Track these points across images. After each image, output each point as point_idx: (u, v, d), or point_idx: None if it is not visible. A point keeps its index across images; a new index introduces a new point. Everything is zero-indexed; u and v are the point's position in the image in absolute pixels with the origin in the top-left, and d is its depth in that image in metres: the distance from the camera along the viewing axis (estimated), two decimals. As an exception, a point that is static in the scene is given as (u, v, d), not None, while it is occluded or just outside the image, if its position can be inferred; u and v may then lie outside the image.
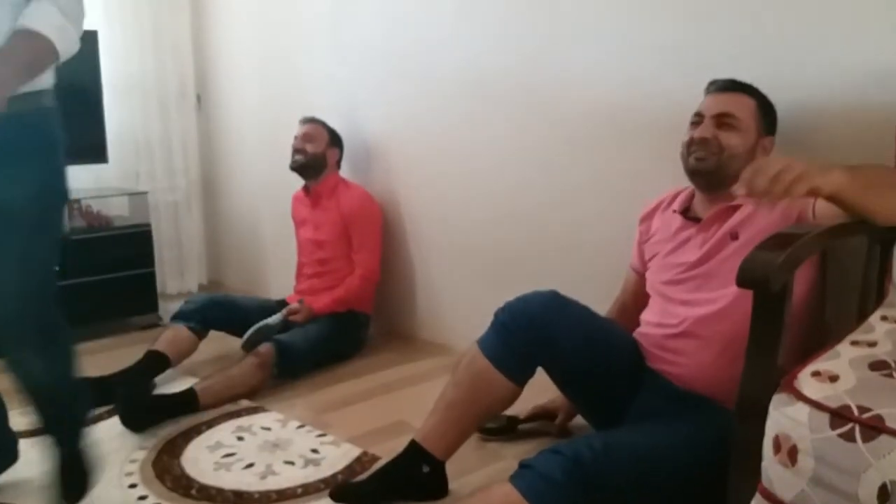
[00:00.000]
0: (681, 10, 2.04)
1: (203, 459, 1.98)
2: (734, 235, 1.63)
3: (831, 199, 1.28)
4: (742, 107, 1.69)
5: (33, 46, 1.44)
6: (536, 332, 1.65)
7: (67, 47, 1.50)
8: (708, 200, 1.74)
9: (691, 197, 1.80)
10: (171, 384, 2.46)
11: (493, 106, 2.59)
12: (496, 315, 1.73)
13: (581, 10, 2.28)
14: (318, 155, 2.88)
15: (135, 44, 3.72)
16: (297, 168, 2.89)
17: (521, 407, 1.94)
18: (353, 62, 3.08)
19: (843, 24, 1.72)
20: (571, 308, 1.71)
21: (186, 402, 2.25)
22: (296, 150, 2.89)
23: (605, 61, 2.23)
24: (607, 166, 2.27)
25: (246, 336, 2.58)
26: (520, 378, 1.68)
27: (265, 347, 2.45)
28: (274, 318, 2.63)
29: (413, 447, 1.71)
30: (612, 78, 2.22)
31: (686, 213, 1.79)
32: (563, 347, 1.66)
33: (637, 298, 1.92)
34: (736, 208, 1.66)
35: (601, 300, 1.92)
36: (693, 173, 1.73)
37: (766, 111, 1.71)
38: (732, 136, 1.67)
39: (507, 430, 2.07)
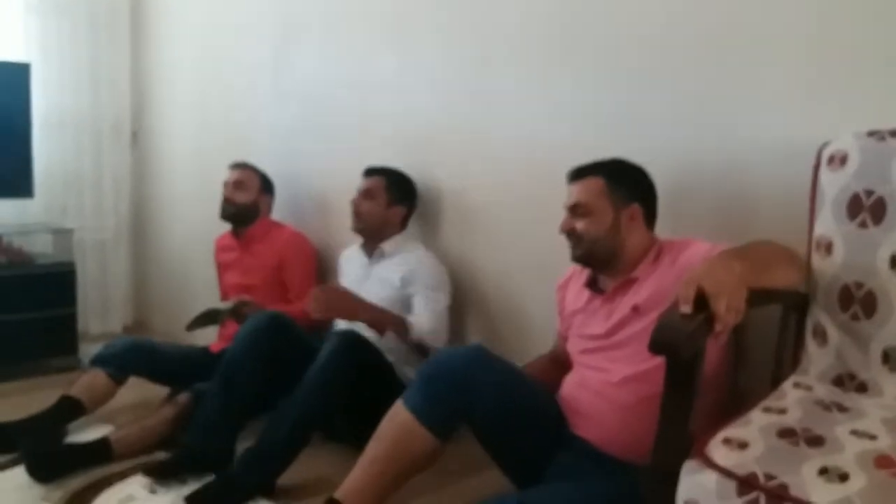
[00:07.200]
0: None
1: (112, 514, 1.89)
2: (636, 308, 1.67)
3: None
4: (589, 191, 1.76)
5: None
6: (458, 384, 1.64)
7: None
8: (607, 275, 1.79)
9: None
10: (84, 432, 2.36)
11: (433, 156, 2.59)
12: (420, 369, 1.72)
13: (578, 84, 2.15)
14: (248, 205, 2.83)
15: (71, 77, 3.67)
16: (228, 217, 2.84)
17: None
18: (294, 109, 3.07)
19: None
20: (495, 363, 1.71)
21: (99, 452, 2.16)
22: (226, 200, 2.83)
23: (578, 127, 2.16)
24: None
25: (193, 318, 2.47)
26: (442, 432, 1.65)
27: (184, 397, 2.37)
28: (225, 305, 2.55)
29: (332, 504, 1.66)
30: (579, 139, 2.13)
31: (593, 284, 1.84)
32: (485, 402, 1.65)
33: (564, 362, 1.92)
34: (634, 281, 1.72)
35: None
36: (574, 261, 1.81)
37: (618, 184, 1.75)
38: (586, 223, 1.75)
39: None
